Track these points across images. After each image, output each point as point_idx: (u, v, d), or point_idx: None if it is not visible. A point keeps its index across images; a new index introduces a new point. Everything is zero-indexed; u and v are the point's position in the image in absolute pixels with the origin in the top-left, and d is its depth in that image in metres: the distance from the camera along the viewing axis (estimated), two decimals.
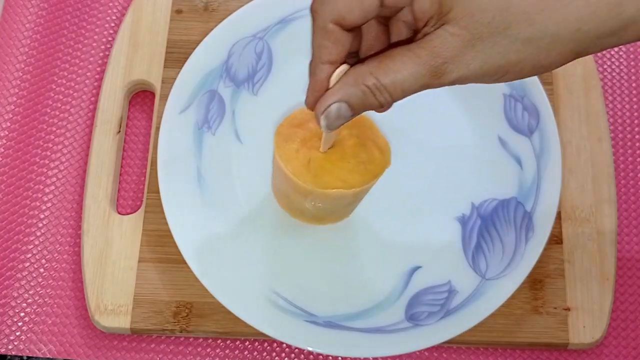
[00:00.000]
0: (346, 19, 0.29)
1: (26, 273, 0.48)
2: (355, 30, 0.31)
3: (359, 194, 0.41)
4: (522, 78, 0.30)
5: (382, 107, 0.31)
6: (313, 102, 0.32)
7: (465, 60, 0.29)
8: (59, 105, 0.52)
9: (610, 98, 0.53)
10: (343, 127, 0.35)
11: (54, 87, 0.53)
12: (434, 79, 0.29)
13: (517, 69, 0.29)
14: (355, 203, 0.44)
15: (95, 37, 0.54)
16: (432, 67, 0.29)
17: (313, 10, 0.30)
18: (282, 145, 0.39)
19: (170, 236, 0.45)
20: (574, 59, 0.30)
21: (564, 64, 0.30)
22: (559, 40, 0.28)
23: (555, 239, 0.48)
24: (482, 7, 0.28)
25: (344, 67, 0.31)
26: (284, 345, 0.47)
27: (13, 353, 0.46)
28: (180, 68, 0.49)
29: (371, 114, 0.34)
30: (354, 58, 0.34)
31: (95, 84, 0.53)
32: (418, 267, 0.46)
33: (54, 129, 0.52)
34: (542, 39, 0.28)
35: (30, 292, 0.48)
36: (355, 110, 0.31)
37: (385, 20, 0.33)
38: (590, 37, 0.28)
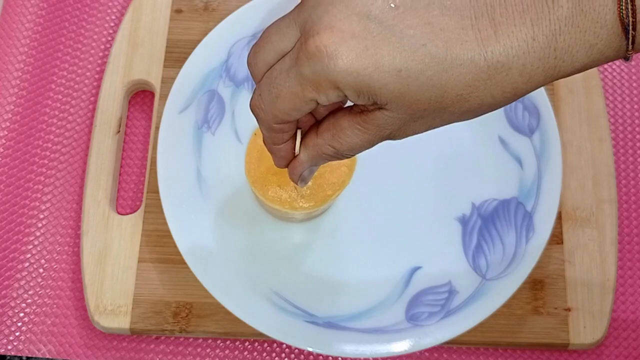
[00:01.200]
0: (285, 120, 0.32)
1: (26, 273, 0.48)
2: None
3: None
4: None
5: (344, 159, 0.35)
6: (284, 165, 0.36)
7: (410, 128, 0.31)
8: (59, 105, 0.52)
9: (610, 98, 0.53)
10: None
11: (54, 87, 0.53)
12: (386, 140, 0.32)
13: (459, 121, 0.31)
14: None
15: (95, 36, 0.54)
16: (381, 136, 0.31)
17: (254, 113, 0.33)
18: (266, 192, 0.42)
19: (170, 236, 0.45)
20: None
21: None
22: (496, 105, 0.29)
23: (556, 239, 0.48)
24: (417, 100, 0.28)
25: (299, 133, 0.34)
26: (284, 345, 0.47)
27: (12, 353, 0.46)
28: (180, 68, 0.49)
29: None
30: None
31: (95, 83, 0.53)
32: (418, 267, 0.46)
33: (54, 129, 0.52)
34: (480, 108, 0.29)
35: (30, 293, 0.48)
36: (321, 165, 0.36)
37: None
38: (527, 93, 0.29)
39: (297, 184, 0.37)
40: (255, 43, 0.32)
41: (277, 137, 0.33)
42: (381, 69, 0.27)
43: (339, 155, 0.33)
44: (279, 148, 0.34)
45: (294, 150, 0.35)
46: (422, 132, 0.31)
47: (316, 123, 0.34)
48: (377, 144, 0.32)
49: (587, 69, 0.29)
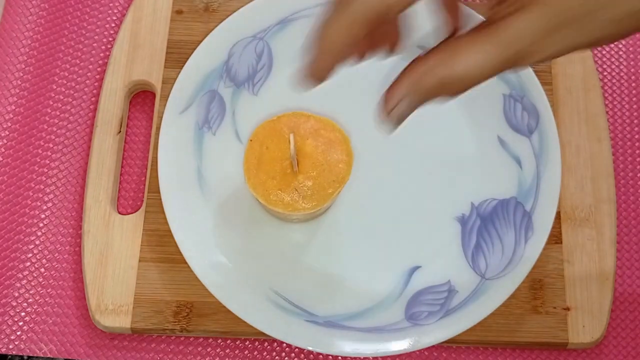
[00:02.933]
0: (390, 5, 0.26)
1: (27, 273, 0.48)
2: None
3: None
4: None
5: (454, 97, 0.28)
6: (320, 77, 0.29)
7: (551, 43, 0.26)
8: (60, 105, 0.52)
9: (609, 98, 0.54)
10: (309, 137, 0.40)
11: (55, 87, 0.53)
12: (513, 65, 0.27)
13: (599, 43, 0.27)
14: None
15: (96, 37, 0.54)
16: (509, 55, 0.26)
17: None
18: (268, 197, 0.41)
19: (171, 236, 0.45)
20: None
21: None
22: None
23: (555, 239, 0.48)
24: None
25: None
26: (284, 344, 0.47)
27: (14, 352, 0.46)
28: (181, 68, 0.49)
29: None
30: None
31: (96, 84, 0.53)
32: (418, 267, 0.46)
33: (55, 129, 0.52)
34: (631, 15, 0.26)
35: (31, 292, 0.48)
36: (425, 102, 0.28)
37: None
38: None
39: (386, 118, 0.29)
40: None
41: (343, 43, 0.27)
42: None
43: (447, 86, 0.27)
44: (340, 33, 0.27)
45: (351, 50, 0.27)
46: (555, 56, 0.27)
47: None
48: (499, 71, 0.26)
49: None
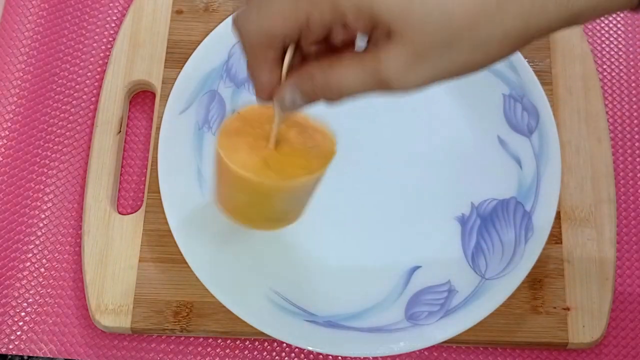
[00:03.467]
0: (271, 37, 0.29)
1: (27, 273, 0.48)
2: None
3: (318, 180, 0.40)
4: (475, 72, 0.29)
5: (331, 103, 0.31)
6: (265, 94, 0.33)
7: (414, 73, 0.28)
8: (60, 105, 0.52)
9: (609, 98, 0.54)
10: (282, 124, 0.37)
11: (55, 87, 0.53)
12: (381, 88, 0.29)
13: (468, 69, 0.29)
14: (312, 195, 0.42)
15: (96, 37, 0.54)
16: (379, 79, 0.29)
17: (237, 28, 0.30)
18: (232, 155, 0.37)
19: (171, 236, 0.45)
20: (524, 46, 0.29)
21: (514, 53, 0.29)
22: (506, 40, 0.28)
23: (555, 239, 0.48)
24: (422, 25, 0.27)
25: (291, 49, 0.31)
26: (284, 344, 0.47)
27: (14, 352, 0.46)
28: (181, 68, 0.49)
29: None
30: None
31: (96, 84, 0.53)
32: (418, 267, 0.46)
33: (55, 129, 0.52)
34: (490, 43, 0.28)
35: (31, 292, 0.48)
36: (307, 100, 0.32)
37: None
38: (539, 31, 0.28)
39: (277, 107, 0.33)
40: None
41: (259, 60, 0.31)
42: None
43: (327, 90, 0.30)
44: (260, 73, 0.31)
45: (279, 79, 0.32)
46: (424, 84, 0.29)
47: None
48: (371, 90, 0.29)
49: (600, 14, 0.28)
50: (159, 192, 0.47)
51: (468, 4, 0.26)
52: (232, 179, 0.38)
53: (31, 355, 0.47)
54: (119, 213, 0.49)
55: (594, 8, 0.27)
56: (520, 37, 0.28)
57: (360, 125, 0.44)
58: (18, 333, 0.47)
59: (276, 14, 0.28)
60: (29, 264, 0.48)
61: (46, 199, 0.50)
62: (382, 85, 0.29)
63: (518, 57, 0.50)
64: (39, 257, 0.49)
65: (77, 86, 0.53)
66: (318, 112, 0.38)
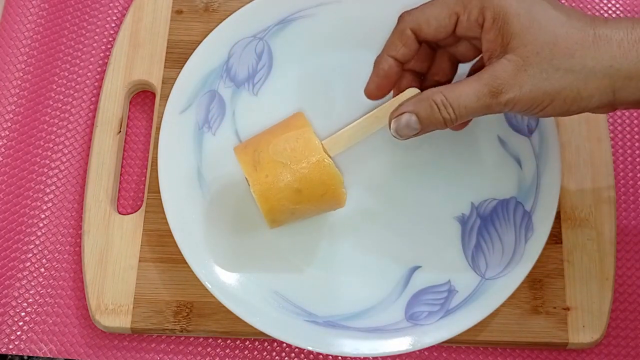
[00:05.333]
0: (422, 30, 0.38)
1: (27, 273, 0.48)
2: (425, 43, 0.40)
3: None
4: (566, 112, 0.36)
5: (446, 124, 0.37)
6: (373, 88, 0.41)
7: (519, 82, 0.35)
8: (60, 105, 0.52)
9: None
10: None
11: (55, 87, 0.53)
12: (493, 98, 0.35)
13: (561, 98, 0.35)
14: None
15: (96, 37, 0.54)
16: (491, 87, 0.35)
17: (400, 16, 0.39)
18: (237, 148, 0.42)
19: (171, 236, 0.45)
20: (612, 99, 0.35)
21: (603, 104, 0.36)
22: (593, 73, 0.35)
23: (555, 239, 0.48)
24: (534, 40, 0.35)
25: (416, 89, 0.39)
26: (284, 344, 0.47)
27: (14, 352, 0.46)
28: (181, 68, 0.49)
29: None
30: (420, 80, 0.43)
31: (96, 84, 0.53)
32: (418, 267, 0.46)
33: (55, 129, 0.52)
34: (581, 71, 0.35)
35: (31, 292, 0.48)
36: (423, 122, 0.38)
37: (456, 60, 0.42)
38: (621, 75, 0.34)
39: (393, 130, 0.39)
40: None
41: (395, 45, 0.39)
42: (519, 1, 0.35)
43: (446, 108, 0.36)
44: (386, 59, 0.39)
45: (394, 76, 0.39)
46: (525, 94, 0.35)
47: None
48: (484, 103, 0.36)
49: None
50: (159, 192, 0.47)
51: (571, 33, 0.35)
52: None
53: (31, 355, 0.47)
54: (119, 213, 0.49)
55: None
56: (604, 78, 0.35)
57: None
58: (18, 333, 0.47)
59: (434, 7, 0.37)
60: (29, 264, 0.48)
61: (46, 199, 0.50)
62: (494, 93, 0.35)
63: None
64: (39, 257, 0.49)
65: (77, 86, 0.53)
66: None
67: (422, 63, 0.42)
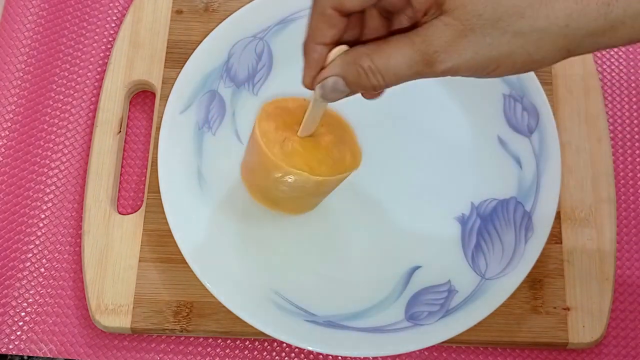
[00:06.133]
0: (345, 5, 0.31)
1: (27, 273, 0.48)
2: (351, 15, 0.33)
3: (321, 186, 0.41)
4: (515, 73, 0.31)
5: (375, 89, 0.32)
6: (309, 80, 0.34)
7: (457, 50, 0.30)
8: (60, 105, 0.52)
9: (609, 98, 0.54)
10: (323, 124, 0.39)
11: (55, 87, 0.53)
12: (426, 67, 0.30)
13: (509, 62, 0.30)
14: (319, 197, 0.45)
15: (96, 37, 0.54)
16: (425, 55, 0.30)
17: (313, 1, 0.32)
18: (263, 120, 0.40)
19: (171, 236, 0.45)
20: (566, 56, 0.30)
21: (556, 61, 0.31)
22: (547, 34, 0.29)
23: (555, 239, 0.48)
24: (474, 6, 0.29)
25: (343, 47, 0.32)
26: (284, 344, 0.47)
27: (14, 352, 0.46)
28: (181, 68, 0.49)
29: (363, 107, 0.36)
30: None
31: (96, 84, 0.53)
32: (418, 267, 0.46)
33: (55, 129, 0.52)
34: (532, 33, 0.29)
35: (31, 292, 0.48)
36: (351, 87, 0.33)
37: (387, 13, 0.34)
38: (579, 34, 0.29)
39: (313, 87, 0.34)
40: None
41: (320, 30, 0.32)
42: None
43: (373, 74, 0.31)
44: (315, 49, 0.33)
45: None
46: (465, 64, 0.30)
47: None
48: (417, 70, 0.30)
49: (636, 29, 0.29)
50: (159, 192, 0.47)
51: None
52: (252, 140, 0.41)
53: (31, 355, 0.47)
54: (119, 213, 0.49)
55: (632, 17, 0.29)
56: (559, 38, 0.29)
57: (359, 126, 0.43)
58: (18, 333, 0.47)
59: None
60: (29, 264, 0.48)
61: (46, 198, 0.50)
62: (428, 62, 0.30)
63: None
64: (39, 257, 0.49)
65: (77, 86, 0.53)
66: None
67: (353, 31, 0.35)
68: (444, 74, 0.31)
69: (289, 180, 0.40)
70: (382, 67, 0.31)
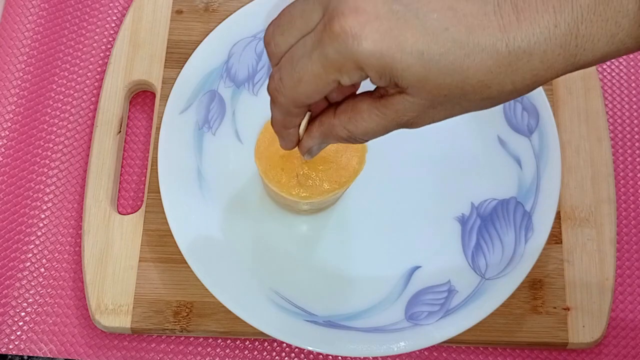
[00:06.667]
0: (305, 103, 0.31)
1: (27, 273, 0.48)
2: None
3: (338, 194, 0.44)
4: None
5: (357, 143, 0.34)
6: (291, 147, 0.36)
7: (430, 115, 0.31)
8: (60, 105, 0.52)
9: (609, 98, 0.54)
10: None
11: (55, 87, 0.53)
12: (405, 127, 0.32)
13: (476, 110, 0.31)
14: (337, 199, 0.48)
15: (96, 37, 0.54)
16: (399, 121, 0.31)
17: (273, 97, 0.32)
18: (268, 171, 0.42)
19: (171, 236, 0.45)
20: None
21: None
22: (515, 93, 0.30)
23: (555, 239, 0.48)
24: (438, 84, 0.28)
25: (307, 115, 0.34)
26: (284, 344, 0.47)
27: (14, 352, 0.46)
28: (181, 68, 0.49)
29: None
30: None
31: (96, 84, 0.53)
32: (418, 267, 0.47)
33: (55, 129, 0.52)
34: (500, 95, 0.29)
35: (31, 292, 0.48)
36: (330, 143, 0.35)
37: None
38: (545, 82, 0.30)
39: (303, 156, 0.36)
40: (274, 22, 0.31)
41: (291, 120, 0.34)
42: (404, 51, 0.27)
43: (352, 139, 0.33)
44: (289, 132, 0.34)
45: (301, 131, 0.35)
46: (439, 121, 0.31)
47: (332, 105, 0.34)
48: (392, 130, 0.32)
49: (607, 59, 0.29)
50: (159, 192, 0.47)
51: (481, 65, 0.28)
52: (268, 187, 0.43)
53: (31, 355, 0.47)
54: (119, 213, 0.49)
55: (601, 58, 0.29)
56: (529, 88, 0.30)
57: None
58: (18, 333, 0.47)
59: (309, 84, 0.30)
60: (29, 264, 0.48)
61: (46, 199, 0.50)
62: (402, 126, 0.32)
63: None
64: (39, 257, 0.49)
65: (77, 86, 0.53)
66: None
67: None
68: (419, 127, 0.32)
69: (311, 202, 0.43)
70: (359, 133, 0.32)
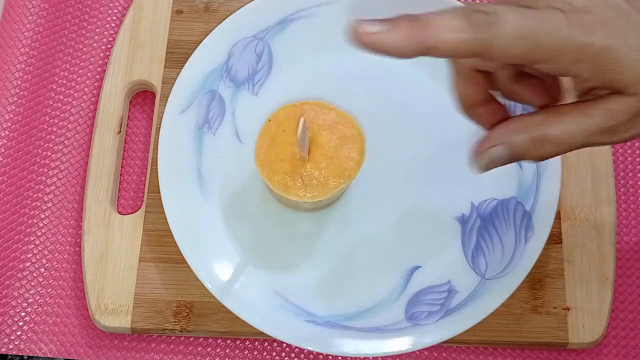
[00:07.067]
0: (493, 59, 0.29)
1: (27, 273, 0.48)
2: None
3: (341, 190, 0.44)
4: None
5: (540, 159, 0.32)
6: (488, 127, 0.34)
7: (636, 124, 0.30)
8: (60, 105, 0.52)
9: None
10: (324, 127, 0.42)
11: (55, 87, 0.53)
12: (604, 138, 0.30)
13: None
14: (341, 194, 0.48)
15: (96, 37, 0.54)
16: (604, 128, 0.30)
17: (478, 24, 0.29)
18: (272, 177, 0.42)
19: (171, 236, 0.45)
20: None
21: None
22: None
23: (555, 239, 0.48)
24: None
25: (302, 121, 0.35)
26: (284, 344, 0.47)
27: (14, 353, 0.46)
28: (181, 68, 0.49)
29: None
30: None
31: (96, 84, 0.53)
32: (418, 267, 0.46)
33: (55, 129, 0.52)
34: None
35: (31, 292, 0.48)
36: (513, 158, 0.32)
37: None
38: None
39: (475, 160, 0.33)
40: None
41: (472, 95, 0.33)
42: (629, 47, 0.28)
43: (540, 144, 0.31)
44: (477, 111, 0.33)
45: (485, 96, 0.33)
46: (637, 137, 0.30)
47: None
48: (590, 141, 0.30)
49: None
50: (159, 192, 0.47)
51: None
52: (274, 191, 0.43)
53: (31, 355, 0.47)
54: (119, 213, 0.49)
55: None
56: None
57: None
58: (18, 333, 0.47)
59: (520, 43, 0.28)
60: (29, 264, 0.48)
61: (46, 199, 0.50)
62: (609, 133, 0.30)
63: None
64: (39, 257, 0.49)
65: (77, 86, 0.53)
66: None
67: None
68: (622, 141, 0.31)
69: (315, 201, 0.42)
70: (554, 137, 0.30)
